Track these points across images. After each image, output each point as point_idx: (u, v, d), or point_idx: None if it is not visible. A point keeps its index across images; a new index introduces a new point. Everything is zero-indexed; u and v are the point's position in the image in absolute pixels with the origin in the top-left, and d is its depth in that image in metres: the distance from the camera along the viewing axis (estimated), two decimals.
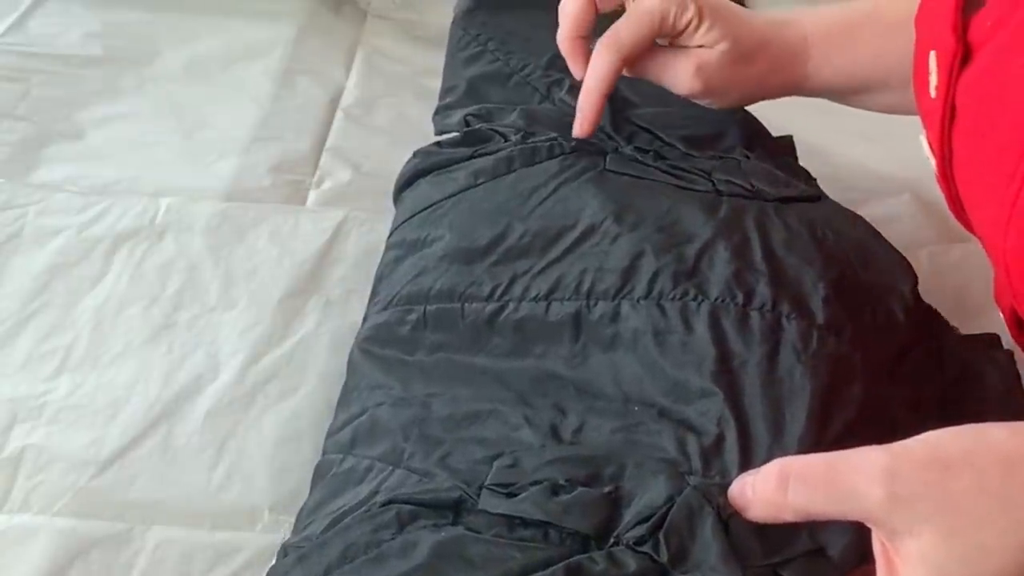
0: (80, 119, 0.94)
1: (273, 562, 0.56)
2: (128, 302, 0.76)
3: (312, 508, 0.58)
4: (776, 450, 0.52)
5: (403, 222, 0.71)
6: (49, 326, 0.75)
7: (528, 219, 0.64)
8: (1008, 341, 0.61)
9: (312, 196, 0.88)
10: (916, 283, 0.64)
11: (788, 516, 0.45)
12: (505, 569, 0.47)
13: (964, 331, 0.67)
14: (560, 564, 0.47)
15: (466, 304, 0.62)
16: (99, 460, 0.67)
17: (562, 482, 0.50)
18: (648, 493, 0.49)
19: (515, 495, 0.50)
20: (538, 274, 0.62)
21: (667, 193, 0.66)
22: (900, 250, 0.65)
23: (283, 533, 0.63)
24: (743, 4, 1.03)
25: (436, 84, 0.87)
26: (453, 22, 0.89)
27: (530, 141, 0.70)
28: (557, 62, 0.74)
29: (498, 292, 0.62)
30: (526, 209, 0.65)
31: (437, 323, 0.62)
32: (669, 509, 0.48)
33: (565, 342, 0.59)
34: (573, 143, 0.69)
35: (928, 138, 0.56)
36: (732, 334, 0.56)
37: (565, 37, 0.69)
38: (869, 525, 0.45)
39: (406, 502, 0.51)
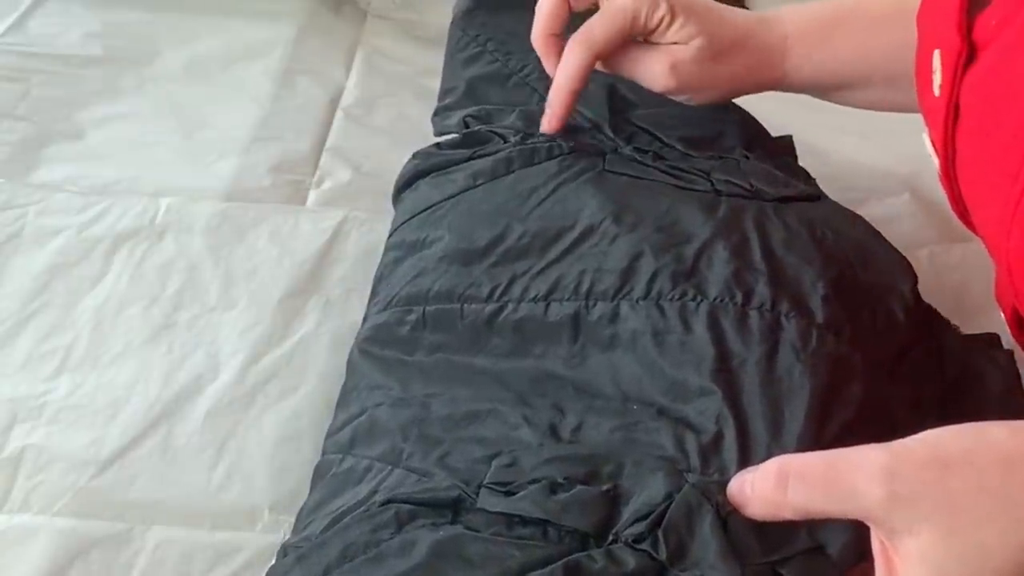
0: (80, 119, 0.94)
1: (273, 562, 0.56)
2: (128, 302, 0.76)
3: (311, 508, 0.58)
4: (775, 448, 0.52)
5: (402, 223, 0.71)
6: (49, 326, 0.75)
7: (527, 220, 0.64)
8: (1008, 341, 0.62)
9: (312, 196, 0.88)
10: (916, 283, 0.64)
11: (787, 514, 0.45)
12: (504, 567, 0.47)
13: (964, 331, 0.67)
14: (559, 562, 0.47)
15: (465, 305, 0.62)
16: (99, 460, 0.67)
17: (560, 480, 0.50)
18: (647, 491, 0.49)
19: (514, 494, 0.50)
20: (537, 275, 0.62)
21: (666, 193, 0.66)
22: (900, 250, 0.65)
23: (283, 533, 0.63)
24: (743, 4, 1.03)
25: (436, 84, 0.87)
26: (452, 23, 0.89)
27: (529, 142, 0.70)
28: None
29: (497, 293, 0.62)
30: (525, 210, 0.65)
31: (436, 324, 0.62)
32: (668, 507, 0.48)
33: (564, 342, 0.59)
34: (572, 144, 0.69)
35: (931, 137, 0.56)
36: (731, 333, 0.56)
37: (538, 35, 0.70)
38: (868, 524, 0.45)
39: (405, 501, 0.51)
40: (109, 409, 0.70)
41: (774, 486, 0.45)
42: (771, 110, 0.77)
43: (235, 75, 1.00)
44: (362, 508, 0.53)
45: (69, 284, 0.77)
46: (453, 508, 0.51)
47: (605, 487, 0.50)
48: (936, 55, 0.53)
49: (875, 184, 0.88)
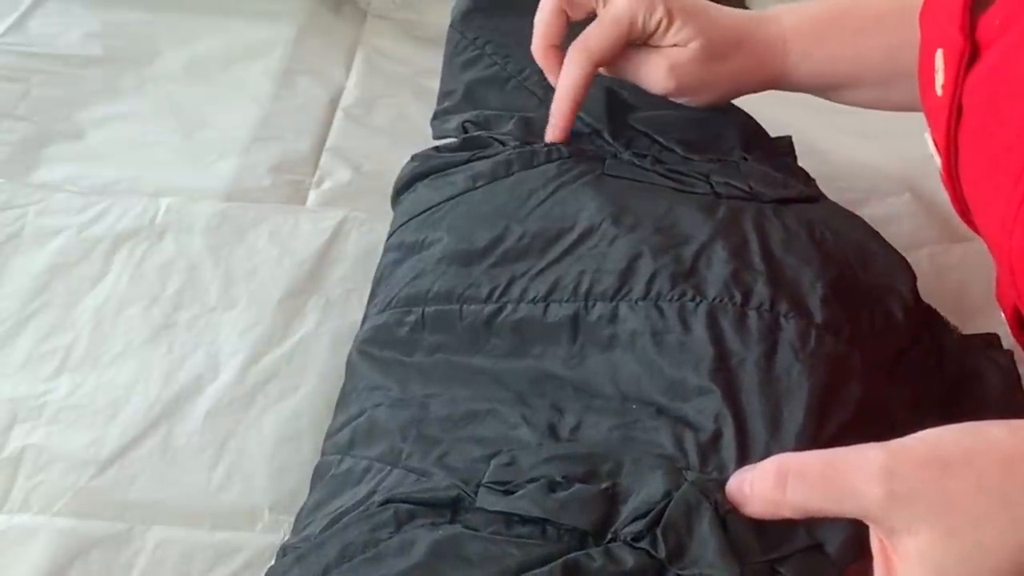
0: (80, 119, 0.94)
1: (272, 562, 0.56)
2: (128, 302, 0.76)
3: (311, 509, 0.58)
4: (774, 447, 0.52)
5: (401, 225, 0.71)
6: (49, 326, 0.75)
7: (526, 221, 0.64)
8: (1008, 341, 0.62)
9: (312, 196, 0.88)
10: (915, 283, 0.64)
11: (786, 513, 0.45)
12: (503, 566, 0.47)
13: (964, 331, 0.67)
14: (558, 561, 0.47)
15: (464, 306, 0.62)
16: (99, 460, 0.67)
17: (559, 479, 0.50)
18: (645, 489, 0.49)
19: (512, 492, 0.50)
20: (536, 276, 0.62)
21: (665, 195, 0.66)
22: (900, 250, 0.65)
23: (283, 533, 0.63)
24: (743, 4, 1.03)
25: (436, 84, 0.87)
26: (451, 25, 0.89)
27: (528, 146, 0.70)
28: None
29: (496, 294, 0.62)
30: (524, 211, 0.65)
31: (435, 325, 0.62)
32: (667, 505, 0.48)
33: (563, 343, 0.59)
34: (571, 148, 0.69)
35: (933, 137, 0.56)
36: (730, 333, 0.56)
37: (538, 47, 0.71)
38: (867, 523, 0.45)
39: (404, 501, 0.51)
40: (109, 409, 0.70)
41: (773, 485, 0.45)
42: (771, 110, 0.77)
43: (235, 75, 1.00)
44: (361, 508, 0.53)
45: (69, 284, 0.78)
46: (452, 507, 0.51)
47: (604, 486, 0.50)
48: (939, 54, 0.53)
49: (875, 184, 0.88)
